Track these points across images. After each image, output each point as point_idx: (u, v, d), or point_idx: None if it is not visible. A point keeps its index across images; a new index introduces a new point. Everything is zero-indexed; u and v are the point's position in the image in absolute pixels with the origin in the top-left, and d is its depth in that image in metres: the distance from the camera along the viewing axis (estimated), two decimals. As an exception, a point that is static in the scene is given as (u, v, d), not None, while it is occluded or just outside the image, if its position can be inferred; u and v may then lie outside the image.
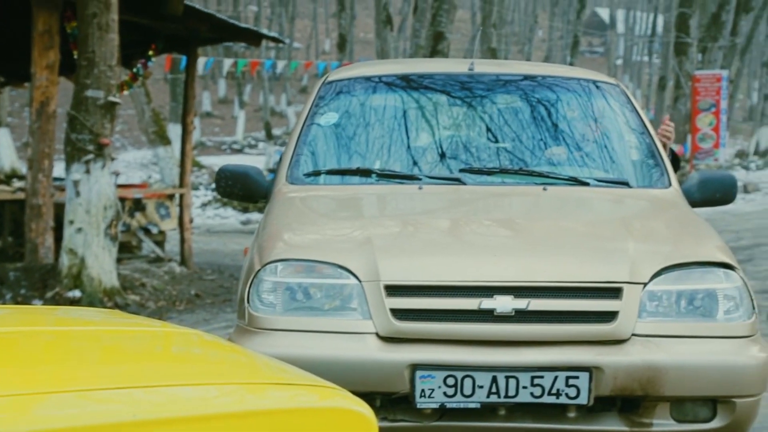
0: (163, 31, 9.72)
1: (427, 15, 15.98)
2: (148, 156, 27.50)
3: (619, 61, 52.25)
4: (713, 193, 4.13)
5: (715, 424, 3.27)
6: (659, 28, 39.50)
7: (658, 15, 40.26)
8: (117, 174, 9.94)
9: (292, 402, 1.73)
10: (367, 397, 3.13)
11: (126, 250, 10.24)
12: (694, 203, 4.07)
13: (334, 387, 1.79)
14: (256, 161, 26.49)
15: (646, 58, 49.20)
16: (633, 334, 3.21)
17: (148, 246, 10.64)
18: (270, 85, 35.00)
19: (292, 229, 3.60)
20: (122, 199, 9.68)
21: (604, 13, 56.81)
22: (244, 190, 4.13)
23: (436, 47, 15.27)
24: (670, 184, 4.10)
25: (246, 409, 1.65)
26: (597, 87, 4.55)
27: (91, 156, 7.42)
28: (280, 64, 24.28)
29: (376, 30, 20.15)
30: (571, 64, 27.50)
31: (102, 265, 7.51)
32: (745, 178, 23.88)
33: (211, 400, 1.65)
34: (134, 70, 9.95)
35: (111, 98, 7.40)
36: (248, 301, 3.34)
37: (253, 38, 11.07)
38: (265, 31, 17.06)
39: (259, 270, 3.34)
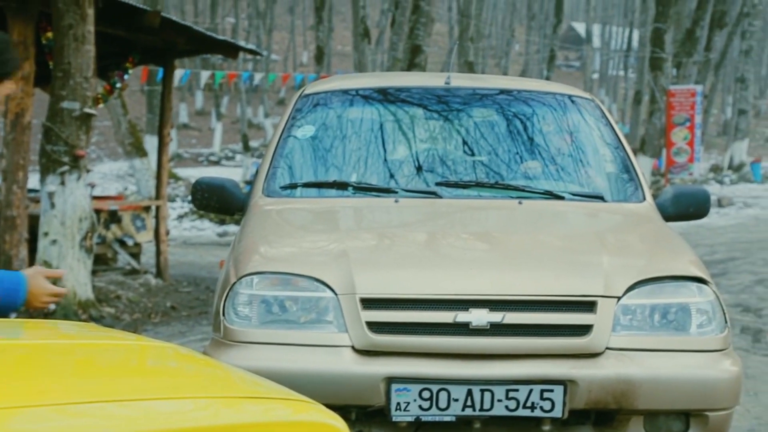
0: (139, 42, 9.69)
1: (404, 28, 16.04)
2: (125, 168, 27.39)
3: (596, 75, 52.65)
4: (687, 207, 4.17)
5: (688, 437, 3.29)
6: (635, 43, 39.85)
7: (633, 30, 40.62)
8: (92, 186, 9.88)
9: (267, 416, 1.73)
10: (343, 410, 3.13)
11: (101, 262, 10.18)
12: (668, 217, 4.11)
13: (309, 401, 1.80)
14: (233, 173, 26.45)
15: (621, 73, 49.61)
16: (607, 348, 3.23)
17: (123, 258, 10.59)
18: (247, 97, 34.98)
19: (268, 242, 3.60)
20: (98, 211, 9.63)
21: (580, 28, 57.21)
22: (220, 203, 4.13)
23: (413, 60, 15.32)
24: (644, 199, 4.14)
25: (221, 423, 1.65)
26: (572, 101, 4.59)
27: (66, 168, 7.38)
28: (258, 76, 24.28)
29: (354, 43, 20.18)
30: (547, 77, 27.66)
31: (77, 277, 7.46)
32: (720, 192, 24.09)
33: (186, 414, 1.65)
34: (111, 82, 9.91)
35: (87, 110, 7.37)
36: (224, 314, 3.33)
37: (230, 50, 11.06)
38: (242, 43, 17.03)
39: (234, 283, 3.34)
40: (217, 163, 34.25)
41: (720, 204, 21.29)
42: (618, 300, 3.26)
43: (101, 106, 9.92)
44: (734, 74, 36.28)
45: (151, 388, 1.78)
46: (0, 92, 2.78)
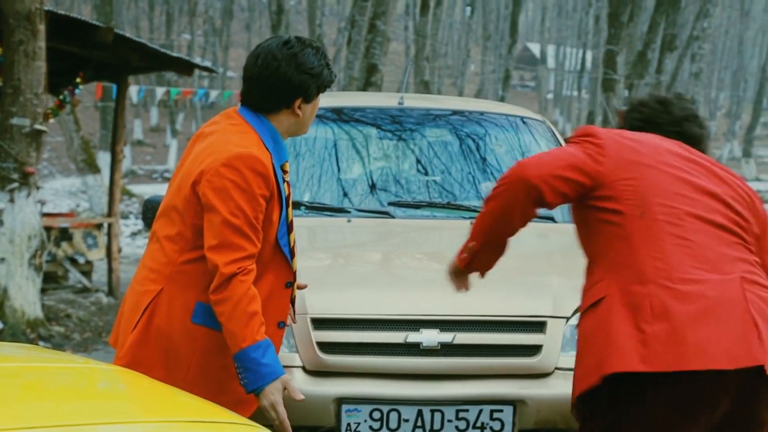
0: (92, 59, 9.61)
1: (360, 47, 16.08)
2: (77, 184, 27.07)
3: (550, 96, 53.19)
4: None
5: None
6: (588, 64, 40.36)
7: (587, 51, 41.16)
8: (43, 203, 9.74)
9: (214, 439, 1.73)
10: (294, 431, 3.11)
11: (52, 281, 10.04)
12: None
13: (254, 424, 1.79)
14: (187, 190, 26.14)
15: (575, 93, 50.17)
16: (556, 368, 3.27)
17: (74, 276, 10.45)
18: (203, 114, 34.83)
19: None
20: (48, 229, 9.51)
21: (535, 49, 57.81)
22: (171, 222, 4.09)
23: (369, 79, 15.38)
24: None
25: (166, 447, 1.64)
26: (524, 122, 4.64)
27: (15, 185, 7.28)
28: (213, 93, 24.16)
29: (310, 61, 20.17)
30: (502, 97, 27.90)
31: (25, 296, 7.36)
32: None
33: (131, 437, 1.64)
34: (61, 97, 9.80)
35: (37, 126, 7.29)
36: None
37: (184, 67, 11.00)
38: (198, 59, 16.96)
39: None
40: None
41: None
42: (567, 320, 3.30)
43: (51, 120, 9.82)
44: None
45: (98, 412, 1.76)
46: None
